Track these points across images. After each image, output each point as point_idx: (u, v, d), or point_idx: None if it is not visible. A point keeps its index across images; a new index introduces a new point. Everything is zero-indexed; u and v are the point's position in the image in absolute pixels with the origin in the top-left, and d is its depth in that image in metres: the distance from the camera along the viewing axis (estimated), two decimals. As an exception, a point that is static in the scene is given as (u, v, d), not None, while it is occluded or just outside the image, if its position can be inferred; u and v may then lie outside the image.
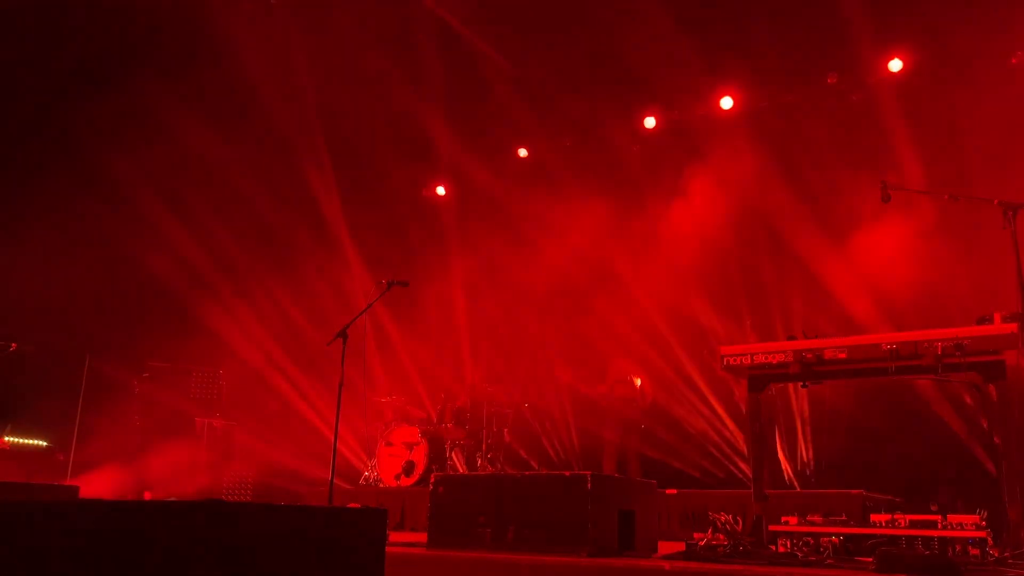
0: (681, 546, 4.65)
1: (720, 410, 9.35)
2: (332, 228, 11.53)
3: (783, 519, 4.57)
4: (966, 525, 4.07)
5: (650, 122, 10.39)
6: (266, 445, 10.35)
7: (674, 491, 7.13)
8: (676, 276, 9.52)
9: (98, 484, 9.29)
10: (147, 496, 9.26)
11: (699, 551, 4.46)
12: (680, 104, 10.22)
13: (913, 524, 4.22)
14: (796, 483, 8.55)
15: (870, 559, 3.95)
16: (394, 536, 5.69)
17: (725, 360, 4.99)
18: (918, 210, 8.23)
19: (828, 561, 4.19)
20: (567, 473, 4.75)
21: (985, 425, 4.57)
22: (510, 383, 10.12)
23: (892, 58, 8.77)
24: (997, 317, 4.31)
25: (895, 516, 4.29)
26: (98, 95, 9.81)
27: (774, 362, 4.82)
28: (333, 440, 6.28)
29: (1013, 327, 4.20)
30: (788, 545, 4.46)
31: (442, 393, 10.05)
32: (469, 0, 9.21)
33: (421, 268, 11.15)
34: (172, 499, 7.77)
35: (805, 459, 8.34)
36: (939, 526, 4.13)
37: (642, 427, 8.69)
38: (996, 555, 3.98)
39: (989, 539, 4.03)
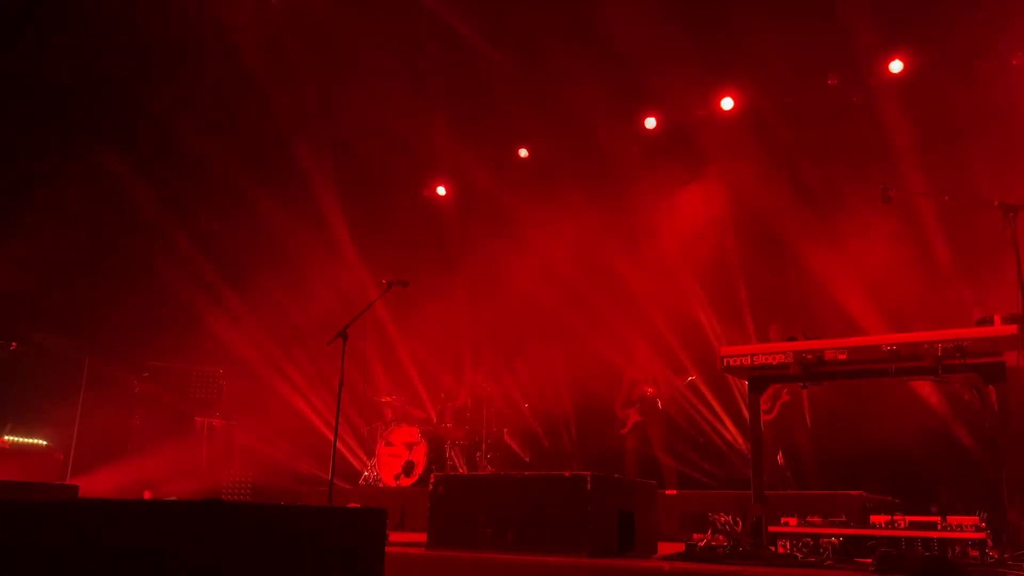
0: (681, 547, 4.65)
1: (720, 411, 9.35)
2: (332, 228, 11.53)
3: (783, 520, 4.57)
4: (966, 526, 4.07)
5: (651, 123, 10.39)
6: (266, 445, 10.36)
7: (674, 492, 7.13)
8: (676, 276, 9.52)
9: (98, 483, 9.28)
10: (147, 496, 9.25)
11: (699, 552, 4.46)
12: (681, 105, 10.22)
13: (913, 525, 4.21)
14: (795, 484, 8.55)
15: (870, 560, 3.94)
16: (394, 536, 5.68)
17: (725, 361, 4.97)
18: (919, 211, 8.23)
19: (828, 562, 4.19)
20: (567, 473, 4.73)
21: (985, 426, 4.55)
22: (510, 383, 10.12)
23: (893, 59, 8.76)
24: (997, 318, 4.30)
25: (895, 517, 4.28)
26: (99, 95, 9.82)
27: (774, 363, 4.80)
28: (333, 440, 6.28)
29: (1013, 328, 4.20)
30: (788, 546, 4.46)
31: (442, 393, 10.06)
32: (470, 0, 9.22)
33: (421, 268, 11.14)
34: (172, 499, 7.75)
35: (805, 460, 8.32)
36: (939, 527, 4.13)
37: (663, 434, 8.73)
38: (996, 557, 3.98)
39: (989, 540, 4.02)
